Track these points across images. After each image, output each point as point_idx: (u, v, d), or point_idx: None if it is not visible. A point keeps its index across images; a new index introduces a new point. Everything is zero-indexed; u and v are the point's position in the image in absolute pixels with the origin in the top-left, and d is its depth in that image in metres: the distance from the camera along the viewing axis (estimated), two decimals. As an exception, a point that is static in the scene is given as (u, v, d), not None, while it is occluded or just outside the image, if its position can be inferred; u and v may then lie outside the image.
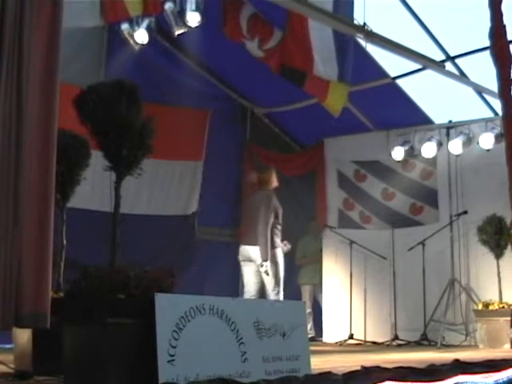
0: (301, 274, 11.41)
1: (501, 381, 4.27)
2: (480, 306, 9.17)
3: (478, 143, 9.97)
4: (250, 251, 8.05)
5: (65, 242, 5.13)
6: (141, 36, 9.04)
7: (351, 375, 4.00)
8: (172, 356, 3.49)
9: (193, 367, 3.59)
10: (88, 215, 8.56)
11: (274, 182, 8.36)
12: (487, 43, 6.31)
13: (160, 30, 9.52)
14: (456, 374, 4.11)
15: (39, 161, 3.67)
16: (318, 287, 11.34)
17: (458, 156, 10.31)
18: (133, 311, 3.57)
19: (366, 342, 10.55)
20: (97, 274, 3.76)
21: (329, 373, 4.11)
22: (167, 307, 3.57)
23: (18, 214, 3.54)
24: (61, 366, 3.82)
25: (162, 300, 3.55)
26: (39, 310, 3.55)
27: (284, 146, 12.22)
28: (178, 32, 8.90)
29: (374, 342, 10.38)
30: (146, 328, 3.47)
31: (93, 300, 3.65)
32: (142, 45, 9.14)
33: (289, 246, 8.65)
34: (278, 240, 8.11)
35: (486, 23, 6.24)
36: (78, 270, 3.86)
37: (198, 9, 8.53)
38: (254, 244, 7.97)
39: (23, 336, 4.56)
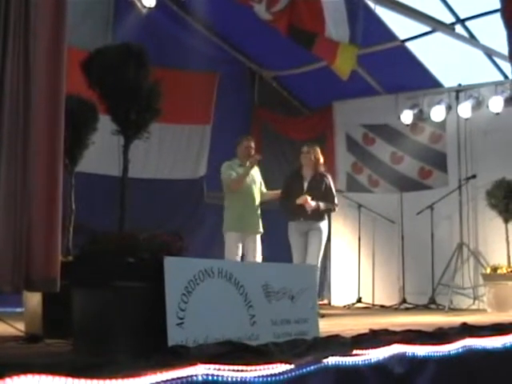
0: None
1: (508, 344, 4.30)
2: (488, 270, 9.20)
3: (487, 107, 9.89)
4: None
5: (74, 206, 5.15)
6: (148, -1, 8.98)
7: (359, 338, 4.02)
8: (181, 319, 3.52)
9: (202, 330, 3.61)
10: (97, 180, 8.57)
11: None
12: (498, 5, 6.26)
13: (167, -6, 9.46)
14: (464, 338, 4.14)
15: (48, 125, 3.65)
16: None
17: (467, 120, 10.25)
18: (142, 275, 3.58)
19: (374, 305, 10.60)
20: (106, 238, 3.78)
21: (337, 336, 4.14)
22: (176, 270, 3.58)
23: (26, 178, 3.54)
24: (70, 330, 3.85)
25: (171, 263, 3.56)
26: (49, 274, 3.56)
27: (292, 110, 12.15)
28: (185, -5, 8.84)
29: (382, 306, 10.42)
30: (155, 291, 3.49)
31: (102, 264, 3.67)
32: (150, 8, 9.06)
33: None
34: None
35: (497, -15, 6.19)
36: (87, 234, 3.88)
37: (205, -29, 8.47)
38: None
39: (33, 300, 4.60)
